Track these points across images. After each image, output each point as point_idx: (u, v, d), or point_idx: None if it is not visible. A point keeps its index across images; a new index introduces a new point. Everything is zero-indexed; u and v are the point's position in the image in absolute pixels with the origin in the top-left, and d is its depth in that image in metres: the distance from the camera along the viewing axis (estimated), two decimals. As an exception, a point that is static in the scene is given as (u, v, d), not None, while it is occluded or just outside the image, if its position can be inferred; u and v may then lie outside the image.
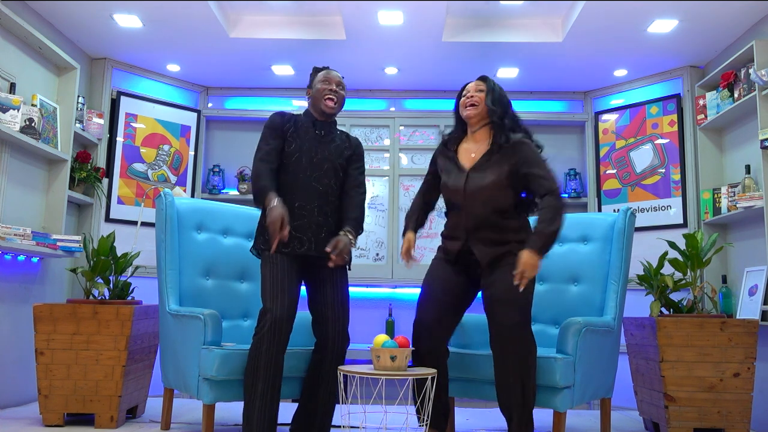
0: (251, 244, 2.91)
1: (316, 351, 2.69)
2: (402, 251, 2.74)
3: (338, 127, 2.86)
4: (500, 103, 2.65)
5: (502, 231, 2.56)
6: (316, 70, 2.83)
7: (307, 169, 2.67)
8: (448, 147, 2.75)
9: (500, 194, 2.56)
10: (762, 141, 3.31)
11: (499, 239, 2.56)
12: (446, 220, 2.74)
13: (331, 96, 2.72)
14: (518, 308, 2.46)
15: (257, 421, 2.46)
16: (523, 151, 2.56)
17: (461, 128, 2.76)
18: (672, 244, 3.17)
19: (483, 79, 2.71)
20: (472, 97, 2.65)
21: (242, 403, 2.54)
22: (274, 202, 2.49)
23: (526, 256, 2.39)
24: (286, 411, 2.91)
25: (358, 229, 2.69)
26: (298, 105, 5.11)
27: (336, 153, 2.74)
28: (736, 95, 3.73)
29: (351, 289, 4.94)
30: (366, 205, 5.05)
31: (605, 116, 4.89)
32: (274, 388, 2.50)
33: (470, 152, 2.67)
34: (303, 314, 2.72)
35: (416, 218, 2.82)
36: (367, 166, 2.96)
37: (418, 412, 2.55)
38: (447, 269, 2.67)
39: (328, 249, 2.54)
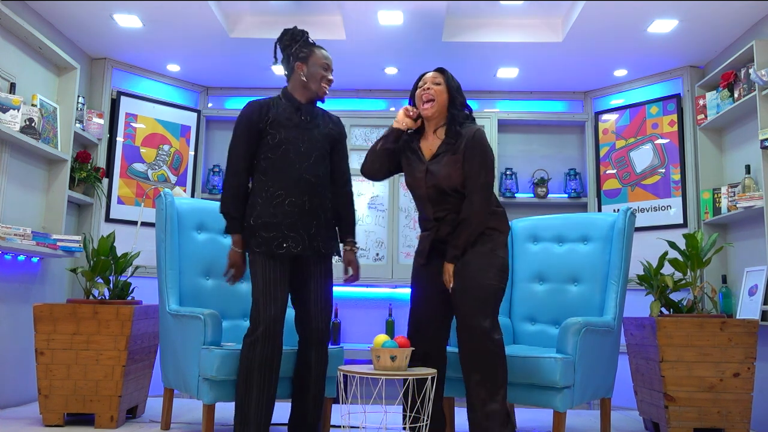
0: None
1: (300, 349, 2.69)
2: (400, 116, 2.65)
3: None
4: (458, 100, 2.61)
5: None
6: (309, 45, 2.67)
7: (296, 162, 2.57)
8: (411, 139, 2.71)
9: (459, 181, 2.53)
10: (762, 141, 3.31)
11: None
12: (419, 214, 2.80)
13: (326, 84, 2.67)
14: (479, 300, 2.47)
15: (254, 427, 2.47)
16: (468, 147, 2.53)
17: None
18: (672, 244, 3.18)
19: (440, 71, 2.65)
20: (429, 89, 2.58)
21: None
22: (237, 247, 2.63)
23: (445, 267, 2.56)
24: (282, 410, 2.91)
25: (355, 232, 2.85)
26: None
27: (322, 139, 2.67)
28: (736, 95, 3.73)
29: (351, 290, 4.92)
30: (366, 205, 4.99)
31: (605, 116, 4.89)
32: (269, 392, 2.51)
33: (429, 146, 2.66)
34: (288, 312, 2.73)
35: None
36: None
37: (407, 413, 2.55)
38: (426, 273, 2.66)
39: (345, 275, 2.78)
